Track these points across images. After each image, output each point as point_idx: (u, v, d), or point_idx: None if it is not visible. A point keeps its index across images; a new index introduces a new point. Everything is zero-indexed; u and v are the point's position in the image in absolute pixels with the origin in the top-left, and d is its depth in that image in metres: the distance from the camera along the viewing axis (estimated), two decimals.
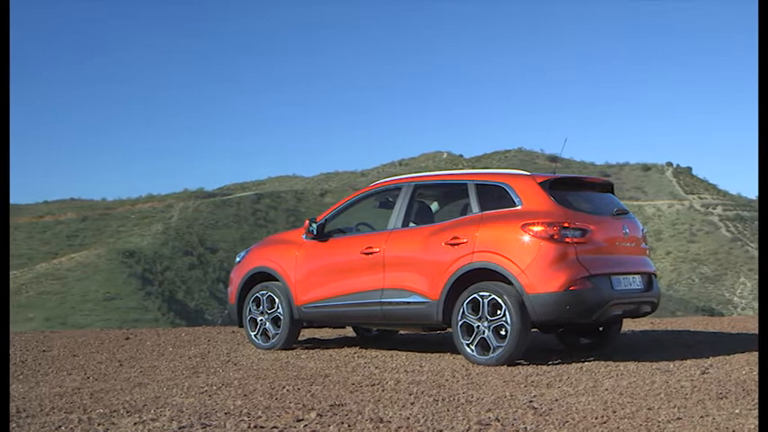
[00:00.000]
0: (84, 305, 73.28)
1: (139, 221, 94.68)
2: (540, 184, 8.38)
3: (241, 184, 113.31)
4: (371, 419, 5.57)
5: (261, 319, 9.68)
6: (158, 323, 62.35)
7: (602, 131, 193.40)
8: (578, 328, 9.17)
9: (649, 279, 8.79)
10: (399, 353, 9.15)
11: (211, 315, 73.87)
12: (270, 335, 9.63)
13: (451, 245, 8.40)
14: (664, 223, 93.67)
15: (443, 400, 6.25)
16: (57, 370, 8.33)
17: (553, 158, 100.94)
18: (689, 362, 8.17)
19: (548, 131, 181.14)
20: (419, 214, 9.17)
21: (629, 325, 12.25)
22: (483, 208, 8.53)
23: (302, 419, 5.61)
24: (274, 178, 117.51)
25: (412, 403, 6.15)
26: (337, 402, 6.18)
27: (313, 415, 5.71)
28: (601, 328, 9.23)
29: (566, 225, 8.08)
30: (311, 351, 9.43)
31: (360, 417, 5.67)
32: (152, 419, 5.66)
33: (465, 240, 8.33)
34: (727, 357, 8.45)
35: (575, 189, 8.71)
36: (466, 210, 8.92)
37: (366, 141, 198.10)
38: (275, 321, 9.59)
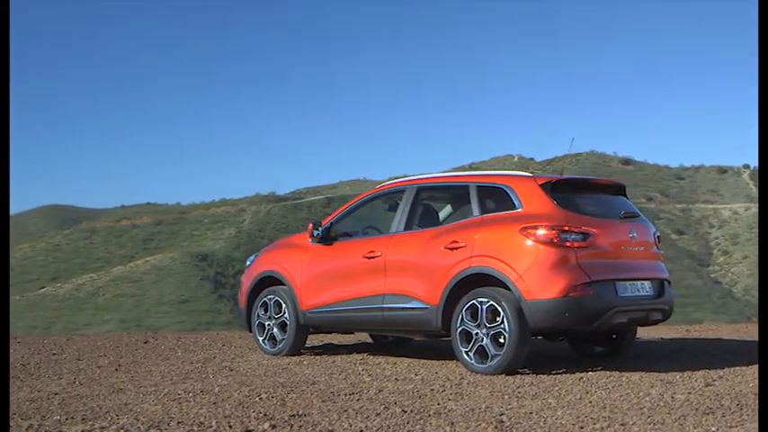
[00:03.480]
0: (158, 308, 74.63)
1: (212, 225, 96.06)
2: (541, 185, 8.01)
3: (312, 188, 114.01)
4: None
5: (268, 324, 9.51)
6: (231, 325, 62.79)
7: (676, 134, 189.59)
8: (589, 336, 8.77)
9: (661, 285, 8.36)
10: (404, 360, 8.88)
11: None
12: (277, 340, 9.45)
13: (450, 249, 8.10)
14: (740, 227, 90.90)
15: (412, 411, 5.96)
16: (51, 374, 8.27)
17: (626, 161, 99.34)
18: (699, 372, 7.74)
19: (621, 134, 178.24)
20: (422, 217, 8.89)
21: (660, 332, 11.77)
22: (483, 210, 8.21)
23: (252, 430, 5.40)
24: (345, 182, 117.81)
25: (378, 414, 5.88)
26: (301, 412, 5.95)
27: (266, 425, 5.48)
28: (614, 336, 8.83)
29: (566, 228, 7.70)
30: (316, 357, 9.23)
31: (313, 429, 5.43)
32: (101, 428, 5.51)
33: (463, 244, 8.03)
34: (743, 368, 7.98)
35: (580, 191, 8.32)
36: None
37: (438, 145, 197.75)
38: (282, 326, 9.41)
